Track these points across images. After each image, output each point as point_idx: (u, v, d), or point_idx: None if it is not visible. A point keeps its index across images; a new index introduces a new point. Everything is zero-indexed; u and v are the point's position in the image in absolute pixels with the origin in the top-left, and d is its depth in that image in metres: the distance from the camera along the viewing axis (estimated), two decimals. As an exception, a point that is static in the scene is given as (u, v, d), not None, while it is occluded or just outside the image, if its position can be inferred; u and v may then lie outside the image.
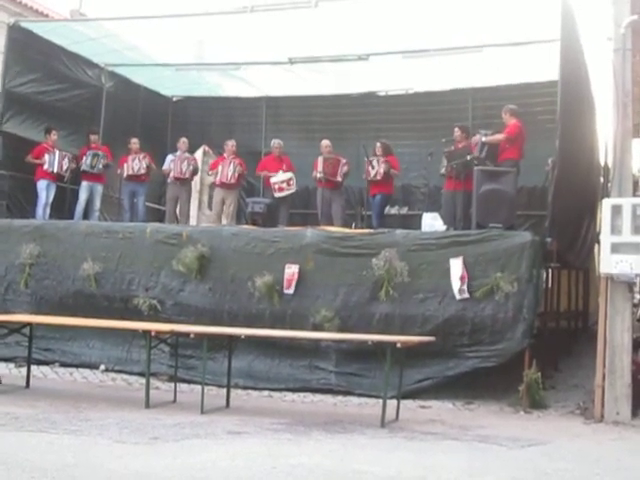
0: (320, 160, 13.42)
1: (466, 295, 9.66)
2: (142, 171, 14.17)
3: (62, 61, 14.28)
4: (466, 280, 9.65)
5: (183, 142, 14.62)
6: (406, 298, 9.89)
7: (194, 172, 14.54)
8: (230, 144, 14.37)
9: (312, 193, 14.36)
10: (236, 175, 14.11)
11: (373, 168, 12.87)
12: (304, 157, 14.45)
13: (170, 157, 14.51)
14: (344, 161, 13.59)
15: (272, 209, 13.54)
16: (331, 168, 13.39)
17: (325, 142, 13.73)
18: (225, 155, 14.37)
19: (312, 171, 13.60)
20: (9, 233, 11.85)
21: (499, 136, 11.44)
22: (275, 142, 14.33)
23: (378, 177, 12.92)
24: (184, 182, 14.36)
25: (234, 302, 10.60)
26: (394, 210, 14.06)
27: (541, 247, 9.70)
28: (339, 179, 13.52)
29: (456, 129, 12.29)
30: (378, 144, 13.27)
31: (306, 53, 13.87)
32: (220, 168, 14.06)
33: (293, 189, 13.81)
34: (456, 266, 9.70)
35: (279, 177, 13.76)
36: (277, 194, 13.69)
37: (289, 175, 13.78)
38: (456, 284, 9.68)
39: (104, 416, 8.18)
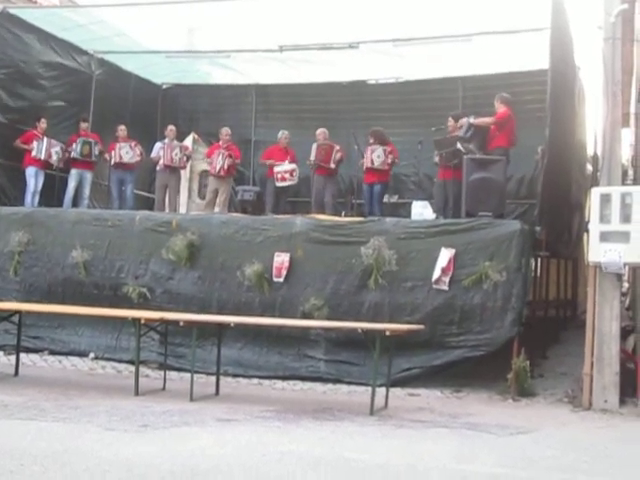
0: (314, 147, 13.42)
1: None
2: (135, 159, 14.08)
3: (51, 48, 14.17)
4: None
5: (171, 130, 14.53)
6: (395, 286, 9.89)
7: (188, 160, 14.50)
8: (224, 132, 14.30)
9: (303, 181, 14.33)
10: (225, 167, 14.05)
11: (379, 157, 12.81)
12: (293, 145, 14.37)
13: (159, 144, 14.42)
14: (337, 147, 13.57)
15: (262, 197, 13.52)
16: (324, 154, 13.39)
17: (320, 130, 13.74)
18: (220, 143, 14.32)
19: (307, 159, 13.57)
20: (-2, 220, 11.81)
21: (488, 119, 11.37)
22: (283, 133, 14.24)
23: (386, 167, 12.90)
24: (174, 170, 14.32)
25: (223, 290, 10.60)
26: (384, 198, 14.05)
27: (530, 236, 9.72)
28: (332, 166, 13.50)
29: (450, 118, 12.24)
30: (371, 132, 13.21)
31: (296, 41, 13.81)
32: (214, 157, 14.06)
33: (295, 180, 13.83)
34: (444, 256, 9.71)
35: (283, 167, 13.78)
36: (279, 183, 13.70)
37: (293, 166, 13.79)
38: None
39: (93, 404, 8.20)
